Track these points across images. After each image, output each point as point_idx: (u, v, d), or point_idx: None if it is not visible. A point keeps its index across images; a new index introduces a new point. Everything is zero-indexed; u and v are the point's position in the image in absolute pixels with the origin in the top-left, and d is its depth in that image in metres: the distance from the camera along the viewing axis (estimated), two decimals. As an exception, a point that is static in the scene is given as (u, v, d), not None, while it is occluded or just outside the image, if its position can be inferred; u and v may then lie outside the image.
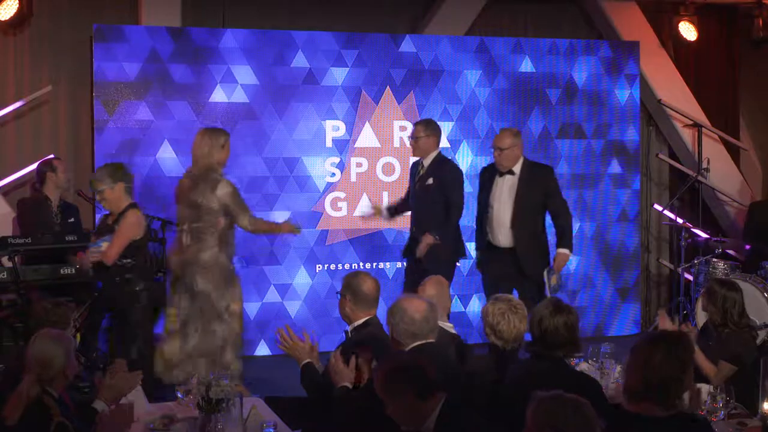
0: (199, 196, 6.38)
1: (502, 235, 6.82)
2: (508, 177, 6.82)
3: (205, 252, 6.39)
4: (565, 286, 6.63)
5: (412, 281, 6.73)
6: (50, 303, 4.64)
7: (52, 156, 7.73)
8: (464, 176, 7.17)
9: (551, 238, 6.94)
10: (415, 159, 7.14)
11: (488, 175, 6.96)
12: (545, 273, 6.73)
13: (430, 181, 6.91)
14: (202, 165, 6.44)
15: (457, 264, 7.30)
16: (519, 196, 6.76)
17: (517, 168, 6.81)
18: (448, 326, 5.16)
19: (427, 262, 6.78)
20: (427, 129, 6.99)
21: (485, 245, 6.93)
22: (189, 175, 6.55)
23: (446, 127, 8.66)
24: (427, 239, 6.77)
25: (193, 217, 6.43)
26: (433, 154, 6.98)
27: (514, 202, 6.76)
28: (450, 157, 7.53)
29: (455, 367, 4.52)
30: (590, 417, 2.92)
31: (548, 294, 6.54)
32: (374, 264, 8.45)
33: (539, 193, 6.78)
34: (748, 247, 8.84)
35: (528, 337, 4.39)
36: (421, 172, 6.99)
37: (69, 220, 7.44)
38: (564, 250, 6.76)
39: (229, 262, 6.51)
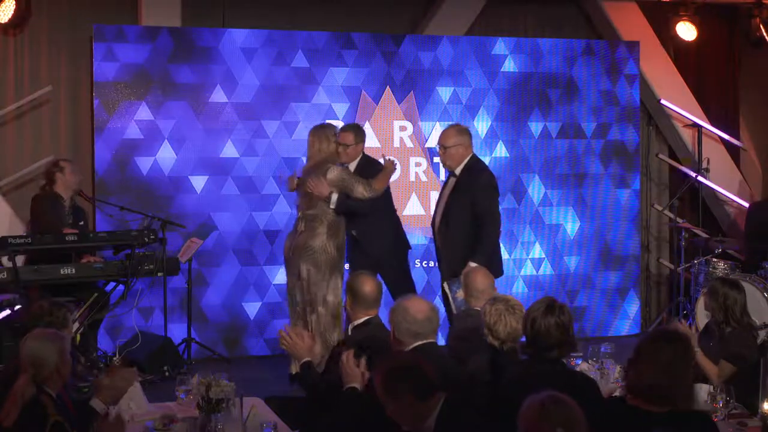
0: None
1: (435, 237, 6.69)
2: (452, 179, 6.61)
3: (315, 239, 6.67)
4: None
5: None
6: (49, 303, 4.60)
7: (55, 157, 7.71)
8: None
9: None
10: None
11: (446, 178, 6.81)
12: (446, 284, 6.37)
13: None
14: (315, 160, 6.81)
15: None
16: (450, 199, 6.53)
17: (459, 169, 6.54)
18: None
19: (372, 252, 6.93)
20: (357, 137, 7.02)
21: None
22: (305, 168, 6.92)
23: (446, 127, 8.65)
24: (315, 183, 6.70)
25: (307, 204, 6.77)
26: (358, 159, 7.04)
27: (445, 205, 6.55)
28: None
29: (456, 367, 4.52)
30: (579, 417, 2.92)
31: (453, 309, 6.26)
32: (374, 264, 8.43)
33: (468, 197, 6.44)
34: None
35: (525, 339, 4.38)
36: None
37: (80, 223, 7.41)
38: (471, 263, 6.14)
39: (336, 252, 6.75)
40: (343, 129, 7.12)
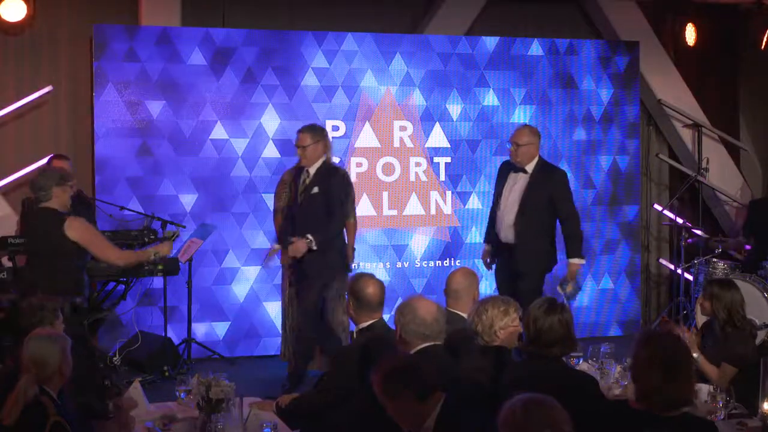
0: None
1: (505, 232, 6.85)
2: (521, 175, 6.85)
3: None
4: (579, 291, 6.71)
5: (295, 291, 6.94)
6: (37, 301, 4.52)
7: (55, 155, 7.66)
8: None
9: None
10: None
11: (504, 171, 6.99)
12: (559, 285, 6.84)
13: (315, 189, 6.69)
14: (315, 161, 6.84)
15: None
16: (525, 195, 6.77)
17: (530, 167, 6.83)
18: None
19: (312, 269, 6.66)
20: (314, 136, 6.73)
21: (494, 240, 6.98)
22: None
23: (446, 127, 8.67)
24: (300, 245, 6.58)
25: None
26: (319, 162, 6.75)
27: (520, 200, 6.78)
28: (340, 166, 7.39)
29: (456, 368, 4.51)
30: (565, 417, 2.89)
31: (565, 302, 6.43)
32: (374, 264, 8.44)
33: (545, 195, 6.77)
34: (748, 247, 8.82)
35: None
36: (307, 181, 6.76)
37: None
38: (573, 260, 6.82)
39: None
40: (299, 131, 6.82)
